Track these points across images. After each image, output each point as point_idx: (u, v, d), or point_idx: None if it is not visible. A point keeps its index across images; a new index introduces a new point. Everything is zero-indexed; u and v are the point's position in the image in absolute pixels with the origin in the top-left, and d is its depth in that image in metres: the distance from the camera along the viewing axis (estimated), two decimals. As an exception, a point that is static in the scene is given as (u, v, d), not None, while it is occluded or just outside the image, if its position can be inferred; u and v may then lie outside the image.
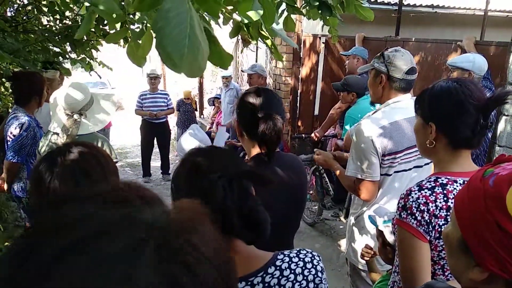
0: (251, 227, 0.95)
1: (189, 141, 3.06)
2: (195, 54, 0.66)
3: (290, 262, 1.06)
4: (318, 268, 1.09)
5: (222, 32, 1.55)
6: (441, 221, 1.28)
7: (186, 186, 1.02)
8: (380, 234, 1.69)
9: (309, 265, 1.07)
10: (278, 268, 1.04)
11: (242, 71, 4.59)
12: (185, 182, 1.03)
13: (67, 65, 4.60)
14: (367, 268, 2.00)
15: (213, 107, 7.80)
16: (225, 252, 0.50)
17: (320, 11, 2.16)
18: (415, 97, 1.49)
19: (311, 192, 4.92)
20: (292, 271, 1.04)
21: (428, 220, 1.28)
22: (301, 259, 1.08)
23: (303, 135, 4.89)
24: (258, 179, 1.00)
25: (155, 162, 7.06)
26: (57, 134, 2.27)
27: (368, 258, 1.90)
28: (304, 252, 1.11)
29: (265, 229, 0.96)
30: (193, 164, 1.03)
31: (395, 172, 2.05)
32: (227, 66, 1.02)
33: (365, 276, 2.22)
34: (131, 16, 1.54)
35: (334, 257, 4.17)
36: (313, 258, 1.10)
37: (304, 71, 6.09)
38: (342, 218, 4.55)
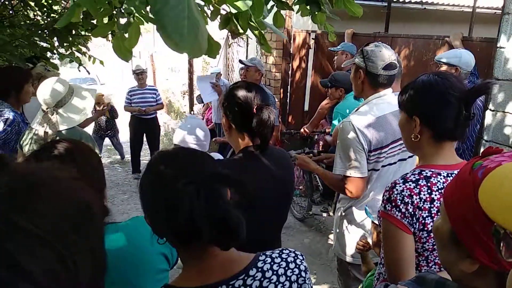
0: (224, 233, 0.89)
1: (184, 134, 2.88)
2: (195, 33, 0.65)
3: (272, 263, 1.02)
4: (302, 267, 1.05)
5: (210, 28, 1.54)
6: (425, 213, 1.30)
7: (151, 198, 0.97)
8: (375, 227, 1.71)
9: (292, 265, 1.03)
10: (260, 269, 1.00)
11: (240, 61, 4.46)
12: (150, 194, 0.98)
13: (56, 60, 4.54)
14: (359, 262, 2.00)
15: (203, 104, 7.73)
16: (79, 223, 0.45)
17: (308, 7, 2.16)
18: (398, 92, 1.50)
19: (300, 187, 4.93)
20: (275, 272, 1.00)
21: (412, 212, 1.30)
22: (284, 259, 1.04)
23: (293, 131, 4.90)
24: (230, 182, 0.95)
25: (145, 159, 7.03)
26: (40, 128, 2.25)
27: (361, 251, 1.90)
28: (287, 251, 1.07)
29: (239, 233, 0.90)
30: (156, 174, 0.98)
31: (382, 166, 2.07)
32: (215, 55, 1.01)
33: (352, 269, 2.24)
34: (117, 9, 1.52)
35: (323, 252, 4.20)
36: (296, 257, 1.06)
37: (294, 67, 6.10)
38: (331, 213, 4.57)
